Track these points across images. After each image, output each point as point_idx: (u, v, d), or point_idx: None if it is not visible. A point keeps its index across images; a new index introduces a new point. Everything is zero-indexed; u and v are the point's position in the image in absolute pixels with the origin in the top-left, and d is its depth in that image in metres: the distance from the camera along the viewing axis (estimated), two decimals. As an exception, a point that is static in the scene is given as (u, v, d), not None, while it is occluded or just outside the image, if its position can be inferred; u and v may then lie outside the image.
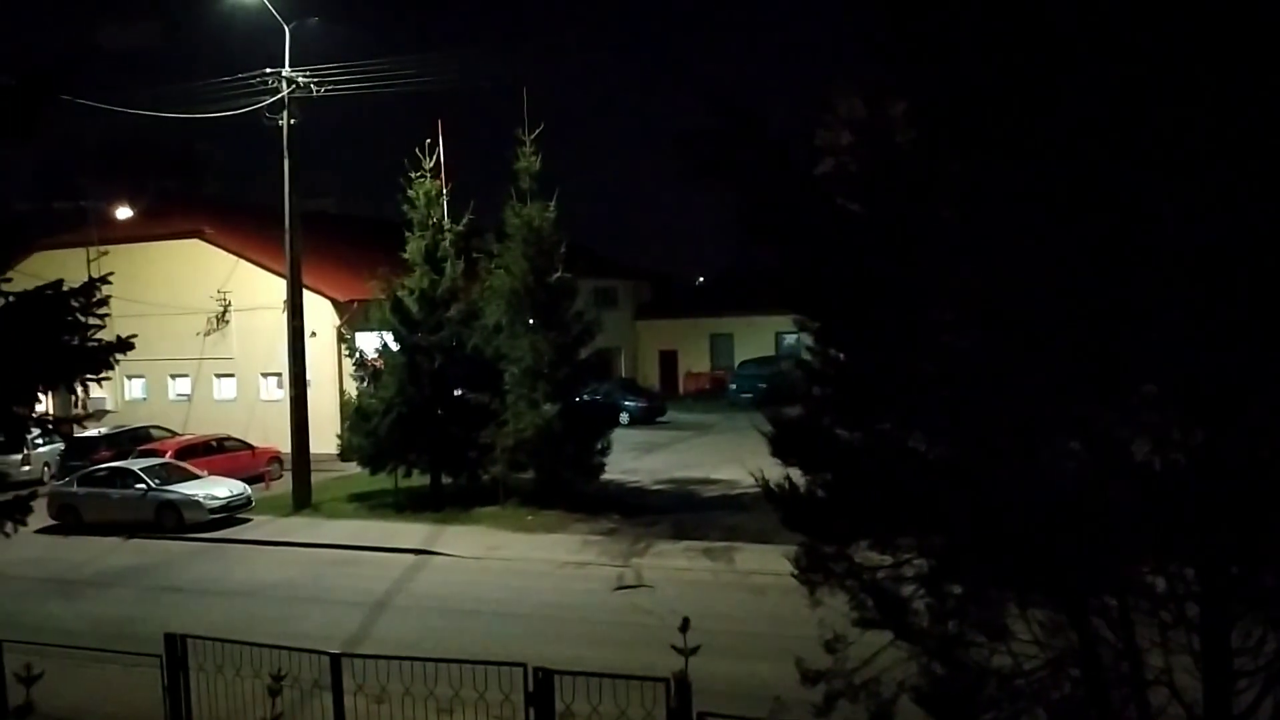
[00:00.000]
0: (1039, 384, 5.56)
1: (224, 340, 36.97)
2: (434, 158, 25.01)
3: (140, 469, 25.14)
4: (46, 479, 29.20)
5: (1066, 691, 6.02)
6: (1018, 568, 5.81)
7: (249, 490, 25.51)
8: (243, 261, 36.45)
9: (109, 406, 37.65)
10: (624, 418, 36.91)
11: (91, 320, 10.29)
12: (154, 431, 32.46)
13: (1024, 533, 5.64)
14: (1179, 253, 5.18)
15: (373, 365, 25.67)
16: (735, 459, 24.47)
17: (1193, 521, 5.38)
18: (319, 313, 32.56)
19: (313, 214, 34.84)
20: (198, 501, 24.03)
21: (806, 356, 6.82)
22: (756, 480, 7.01)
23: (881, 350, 6.27)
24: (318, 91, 25.58)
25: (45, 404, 12.28)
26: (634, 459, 29.87)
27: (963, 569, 6.13)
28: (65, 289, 10.23)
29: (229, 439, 30.54)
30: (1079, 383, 5.47)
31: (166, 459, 26.78)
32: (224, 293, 36.37)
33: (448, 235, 25.28)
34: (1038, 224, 5.48)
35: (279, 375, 32.40)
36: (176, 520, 23.86)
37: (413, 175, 24.92)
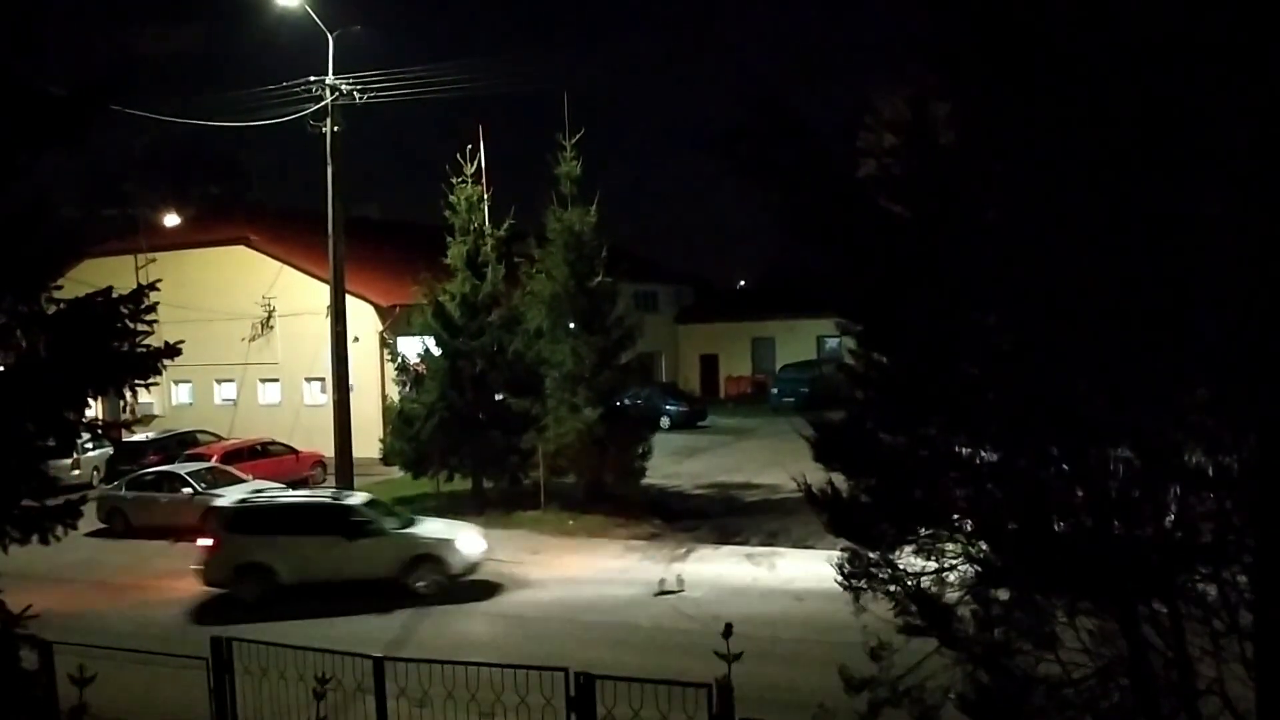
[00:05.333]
0: (1088, 388, 5.48)
1: (268, 345, 37.39)
2: (475, 163, 25.16)
3: (187, 473, 25.45)
4: (95, 483, 29.63)
5: (1116, 700, 5.91)
6: (1066, 574, 5.72)
7: (293, 494, 25.71)
8: (287, 268, 36.85)
9: (156, 411, 38.16)
10: (665, 422, 36.91)
11: (140, 326, 10.40)
12: (200, 436, 32.81)
13: (1072, 538, 5.56)
14: (1232, 252, 5.08)
15: (415, 370, 25.84)
16: (777, 463, 24.29)
17: (1246, 527, 5.27)
18: (362, 318, 32.84)
19: (356, 220, 35.11)
20: (243, 505, 24.26)
21: (849, 360, 6.77)
22: (799, 485, 6.96)
23: (926, 354, 6.20)
24: (361, 99, 25.80)
25: (95, 409, 12.41)
26: (675, 463, 29.83)
27: (1009, 575, 6.05)
28: (115, 296, 10.36)
29: (274, 443, 30.83)
30: (1129, 386, 5.38)
31: (212, 463, 27.08)
32: (268, 298, 36.78)
33: (489, 240, 25.39)
34: (1085, 225, 5.40)
35: (322, 380, 32.68)
36: (223, 523, 24.11)
37: (454, 180, 25.10)
